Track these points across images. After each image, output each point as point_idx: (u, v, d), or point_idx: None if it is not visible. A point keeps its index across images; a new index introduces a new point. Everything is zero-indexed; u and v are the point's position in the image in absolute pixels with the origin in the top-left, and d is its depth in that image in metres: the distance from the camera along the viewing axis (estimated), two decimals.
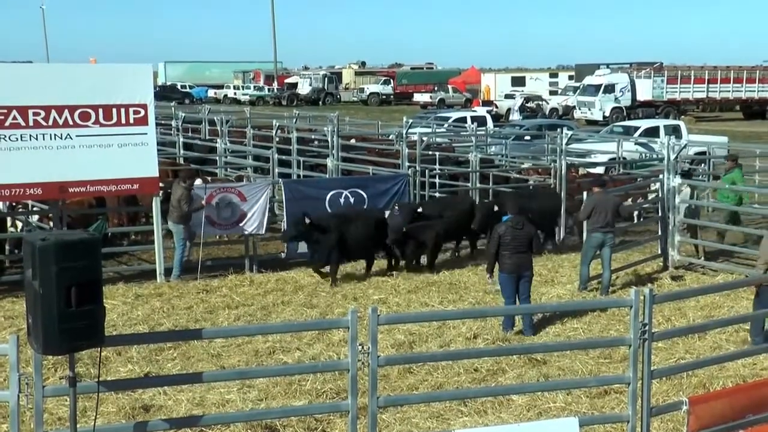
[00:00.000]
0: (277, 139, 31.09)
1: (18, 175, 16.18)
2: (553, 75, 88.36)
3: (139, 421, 9.66)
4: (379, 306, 13.32)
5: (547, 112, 63.93)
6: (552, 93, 75.24)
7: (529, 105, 63.78)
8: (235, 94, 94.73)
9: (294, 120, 37.74)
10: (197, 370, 12.00)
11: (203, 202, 17.83)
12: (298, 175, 27.55)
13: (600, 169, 27.31)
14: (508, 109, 65.28)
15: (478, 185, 24.11)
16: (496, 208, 18.64)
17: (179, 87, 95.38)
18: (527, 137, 35.78)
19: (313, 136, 34.28)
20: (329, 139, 26.91)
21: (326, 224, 17.61)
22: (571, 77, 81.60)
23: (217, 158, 27.17)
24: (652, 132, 34.79)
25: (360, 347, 8.27)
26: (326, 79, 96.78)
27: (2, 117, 15.99)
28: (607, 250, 16.74)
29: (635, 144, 31.29)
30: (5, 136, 16.02)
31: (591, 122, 59.65)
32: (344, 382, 10.64)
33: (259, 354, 12.85)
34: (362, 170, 24.71)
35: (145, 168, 17.14)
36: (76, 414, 7.70)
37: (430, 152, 27.17)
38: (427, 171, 22.61)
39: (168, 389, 11.05)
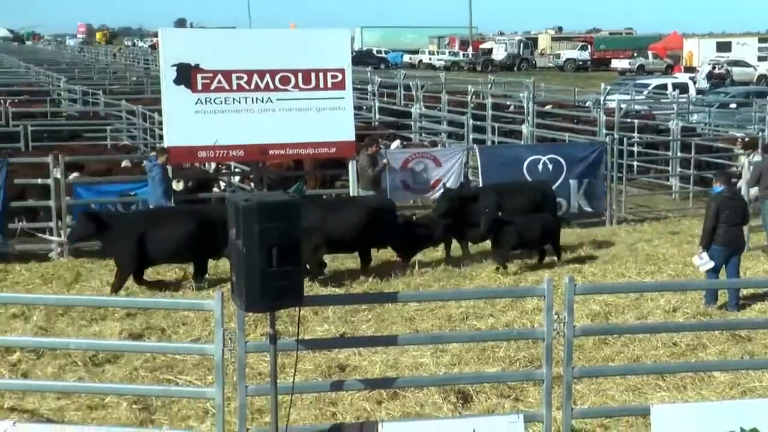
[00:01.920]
0: (472, 104, 31.02)
1: (222, 137, 16.74)
2: (763, 40, 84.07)
3: (335, 380, 9.86)
4: (575, 275, 13.09)
5: (755, 80, 61.14)
6: (761, 59, 71.72)
7: (717, 72, 60.95)
8: (430, 59, 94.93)
9: (489, 86, 37.53)
10: (391, 332, 12.14)
11: (384, 161, 17.89)
12: (493, 141, 27.40)
13: None
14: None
15: (679, 155, 23.36)
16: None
17: (375, 52, 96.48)
18: (733, 105, 34.29)
19: (508, 102, 34.04)
20: (524, 106, 26.67)
21: (124, 223, 14.88)
22: None
23: (412, 123, 27.34)
24: None
25: (555, 316, 8.14)
26: (522, 44, 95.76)
27: (208, 81, 16.56)
28: None
29: None
30: (210, 100, 16.59)
31: None
32: (537, 350, 10.53)
33: (452, 319, 12.85)
34: (558, 137, 24.36)
35: (342, 132, 17.42)
36: (276, 370, 7.90)
37: (629, 120, 26.50)
38: (625, 139, 22.00)
39: (363, 350, 11.21)
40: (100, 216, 14.78)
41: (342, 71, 17.31)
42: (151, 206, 16.27)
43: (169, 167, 16.71)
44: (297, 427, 8.78)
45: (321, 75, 17.16)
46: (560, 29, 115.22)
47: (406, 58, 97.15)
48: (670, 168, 24.16)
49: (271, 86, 16.90)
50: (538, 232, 16.21)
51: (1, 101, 30.88)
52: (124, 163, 19.93)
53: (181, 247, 14.67)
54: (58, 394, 9.99)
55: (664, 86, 42.30)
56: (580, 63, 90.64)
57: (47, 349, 10.98)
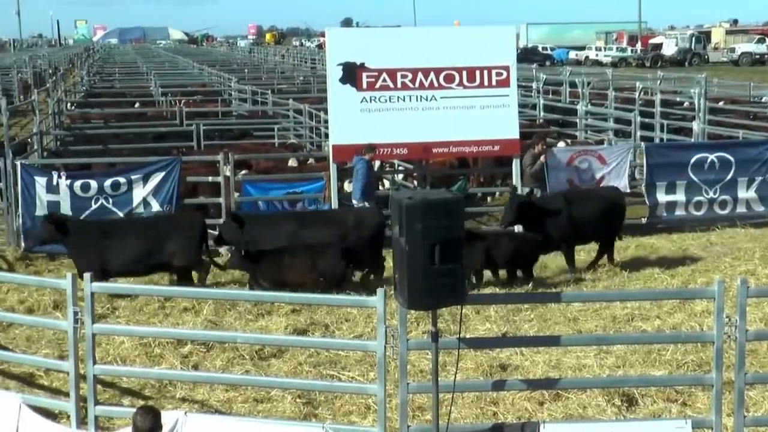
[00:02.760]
0: (640, 101, 30.32)
1: (386, 135, 16.88)
2: None
3: (497, 380, 9.82)
4: (747, 277, 12.61)
5: None
6: None
7: None
8: (596, 55, 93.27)
9: (658, 82, 36.63)
10: (554, 332, 11.98)
11: (542, 159, 17.63)
12: (661, 139, 26.69)
13: None
14: None
15: None
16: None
17: (540, 49, 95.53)
18: None
19: (678, 99, 33.14)
20: (695, 102, 25.89)
21: (92, 229, 14.68)
22: None
23: (578, 121, 26.93)
24: None
25: (726, 319, 7.89)
26: (693, 38, 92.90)
27: (373, 80, 16.74)
28: None
29: None
30: (375, 98, 16.76)
31: None
32: (707, 354, 10.22)
33: (617, 320, 12.59)
34: (731, 134, 23.57)
35: (506, 130, 17.29)
36: (437, 368, 7.91)
37: None
38: None
39: (525, 350, 11.10)
40: (61, 220, 14.59)
41: (507, 68, 17.19)
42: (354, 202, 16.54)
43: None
44: (458, 425, 8.79)
45: (485, 72, 17.09)
46: (735, 22, 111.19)
47: (572, 54, 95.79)
48: None
49: (436, 84, 16.94)
50: (506, 252, 14.85)
51: (176, 101, 32.13)
52: (290, 162, 20.37)
53: (140, 258, 14.34)
54: (226, 386, 10.29)
55: None
56: (757, 57, 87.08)
57: (216, 342, 11.31)
